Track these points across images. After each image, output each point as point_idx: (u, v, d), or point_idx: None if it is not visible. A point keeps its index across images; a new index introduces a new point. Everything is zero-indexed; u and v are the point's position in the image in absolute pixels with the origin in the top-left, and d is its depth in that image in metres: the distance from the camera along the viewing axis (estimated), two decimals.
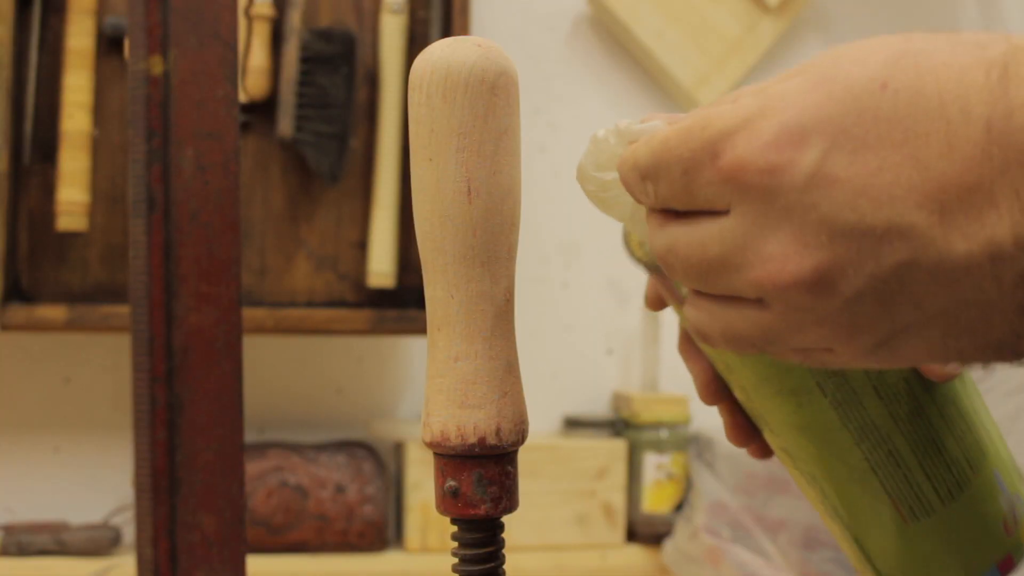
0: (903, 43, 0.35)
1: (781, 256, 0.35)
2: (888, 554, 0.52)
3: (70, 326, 1.14)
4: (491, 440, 0.43)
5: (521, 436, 0.44)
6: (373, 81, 1.24)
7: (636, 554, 1.27)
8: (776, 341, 0.38)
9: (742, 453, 1.22)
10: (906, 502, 0.50)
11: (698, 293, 0.40)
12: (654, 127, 0.41)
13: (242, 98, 1.19)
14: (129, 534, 1.20)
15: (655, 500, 1.27)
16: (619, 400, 1.34)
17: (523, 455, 0.46)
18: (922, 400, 0.50)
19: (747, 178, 0.35)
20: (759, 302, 0.37)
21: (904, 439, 0.50)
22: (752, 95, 0.36)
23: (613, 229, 1.49)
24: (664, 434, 1.27)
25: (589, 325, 1.38)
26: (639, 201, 0.41)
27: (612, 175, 0.44)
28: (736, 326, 0.38)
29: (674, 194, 0.38)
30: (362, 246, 1.24)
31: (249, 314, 1.15)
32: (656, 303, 0.57)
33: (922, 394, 0.50)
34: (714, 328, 0.39)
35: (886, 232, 0.34)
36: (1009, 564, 0.51)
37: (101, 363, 1.26)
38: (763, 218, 0.35)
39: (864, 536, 0.53)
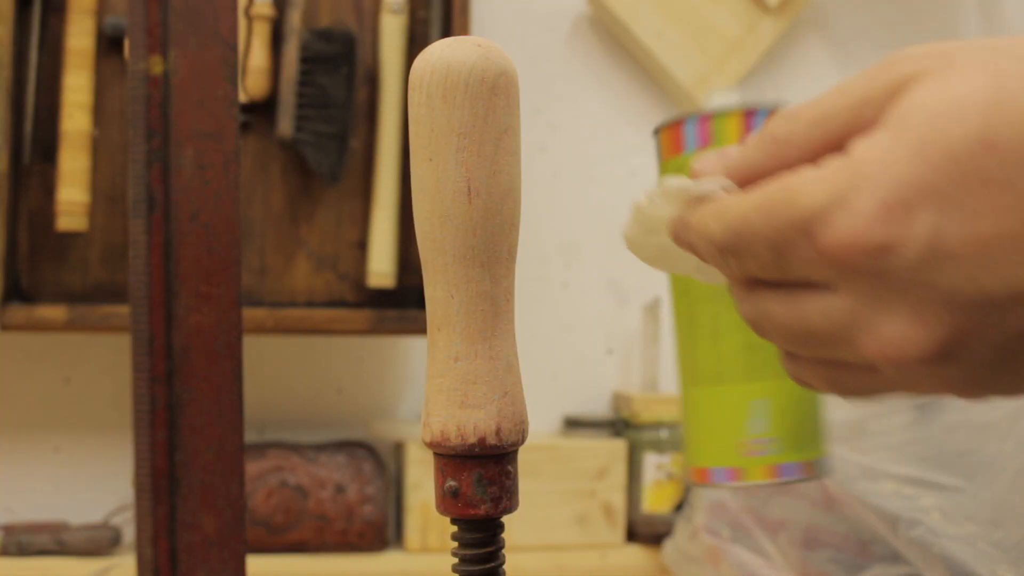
0: (994, 84, 0.32)
1: (900, 337, 0.34)
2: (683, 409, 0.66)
3: (70, 326, 1.14)
4: (491, 440, 0.43)
5: (521, 436, 0.44)
6: (373, 81, 1.24)
7: (636, 554, 1.27)
8: (888, 393, 0.37)
9: None
10: (689, 364, 0.64)
11: (795, 354, 0.39)
12: (710, 189, 0.39)
13: (242, 98, 1.19)
14: (129, 534, 1.20)
15: (655, 500, 1.27)
16: (619, 400, 1.34)
17: (523, 455, 0.46)
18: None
19: (853, 259, 0.33)
20: (870, 367, 0.36)
21: (706, 314, 0.63)
22: (839, 165, 0.34)
23: (613, 229, 1.49)
24: (664, 434, 1.27)
25: (589, 325, 1.38)
26: (720, 270, 0.39)
27: (667, 237, 0.42)
28: (843, 382, 0.38)
29: (762, 268, 0.37)
30: (362, 246, 1.24)
31: (249, 314, 1.15)
32: None
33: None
34: (817, 381, 0.38)
35: (1009, 300, 0.32)
36: (736, 476, 0.63)
37: (101, 363, 1.26)
38: (875, 298, 0.34)
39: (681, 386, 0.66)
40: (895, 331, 0.34)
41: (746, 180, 0.38)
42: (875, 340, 0.34)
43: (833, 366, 0.37)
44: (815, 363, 0.38)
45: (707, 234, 0.38)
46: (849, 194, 0.33)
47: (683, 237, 0.40)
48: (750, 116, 0.67)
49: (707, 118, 0.69)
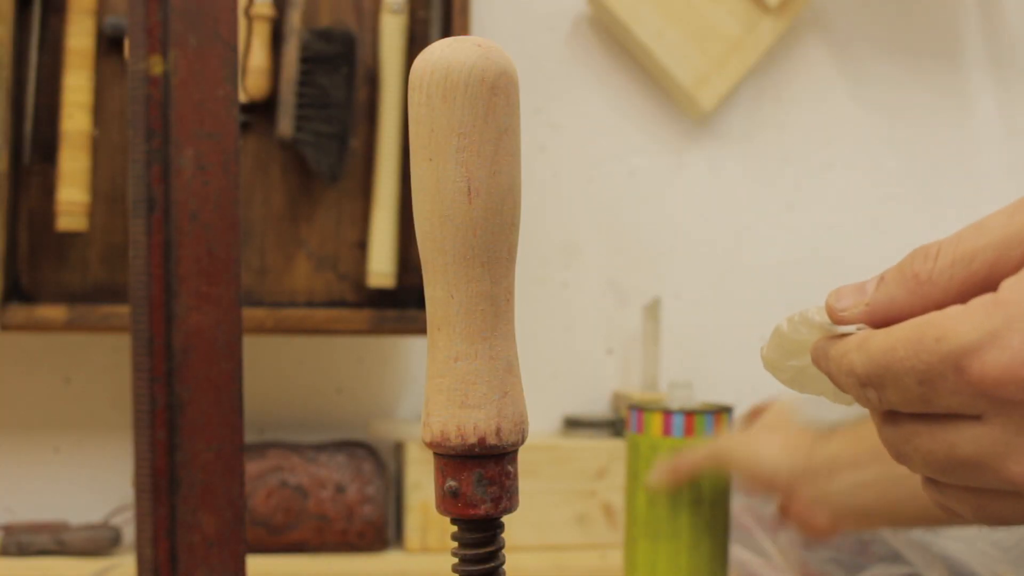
0: None
1: None
2: None
3: (70, 326, 1.14)
4: (491, 440, 0.43)
5: (521, 436, 0.44)
6: (373, 81, 1.24)
7: None
8: None
9: None
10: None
11: (939, 481, 0.40)
12: (849, 330, 0.41)
13: (242, 98, 1.19)
14: (129, 534, 1.20)
15: None
16: (619, 400, 1.34)
17: (523, 455, 0.46)
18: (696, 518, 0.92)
19: (1007, 391, 0.35)
20: (1018, 494, 0.38)
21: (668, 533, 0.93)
22: (989, 303, 0.36)
23: (613, 229, 1.49)
24: None
25: (589, 325, 1.38)
26: (858, 401, 0.41)
27: (805, 360, 0.44)
28: (990, 509, 0.39)
29: (906, 401, 0.38)
30: (362, 246, 1.24)
31: (249, 314, 1.15)
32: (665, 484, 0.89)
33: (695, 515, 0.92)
34: (963, 507, 0.40)
35: None
36: None
37: (101, 363, 1.26)
38: None
39: None
40: None
41: (885, 316, 0.40)
42: None
43: (980, 494, 0.39)
44: (961, 491, 0.39)
45: (848, 365, 0.40)
46: (1002, 331, 0.35)
47: (823, 366, 0.42)
48: (668, 416, 0.90)
49: (641, 411, 0.91)
